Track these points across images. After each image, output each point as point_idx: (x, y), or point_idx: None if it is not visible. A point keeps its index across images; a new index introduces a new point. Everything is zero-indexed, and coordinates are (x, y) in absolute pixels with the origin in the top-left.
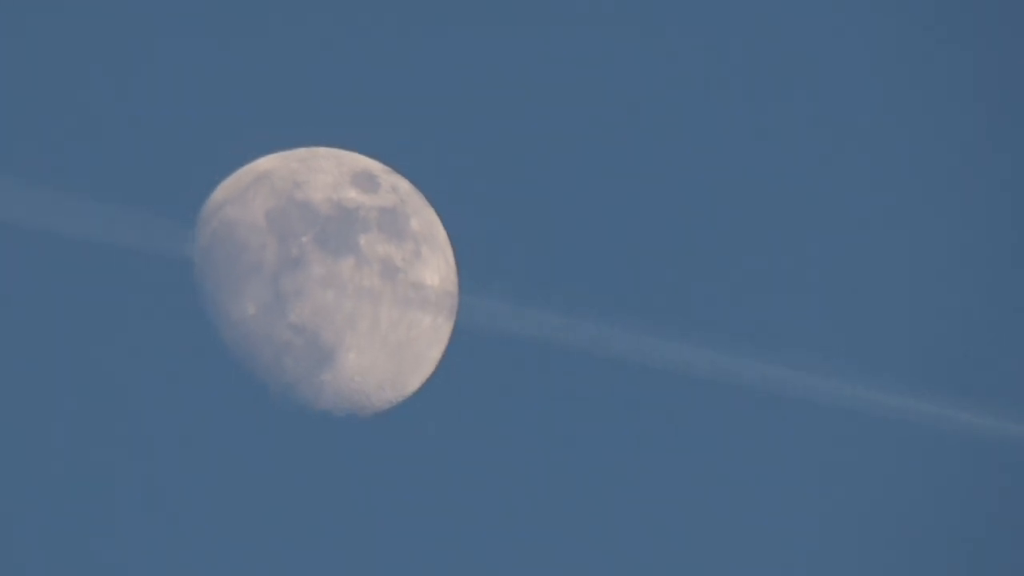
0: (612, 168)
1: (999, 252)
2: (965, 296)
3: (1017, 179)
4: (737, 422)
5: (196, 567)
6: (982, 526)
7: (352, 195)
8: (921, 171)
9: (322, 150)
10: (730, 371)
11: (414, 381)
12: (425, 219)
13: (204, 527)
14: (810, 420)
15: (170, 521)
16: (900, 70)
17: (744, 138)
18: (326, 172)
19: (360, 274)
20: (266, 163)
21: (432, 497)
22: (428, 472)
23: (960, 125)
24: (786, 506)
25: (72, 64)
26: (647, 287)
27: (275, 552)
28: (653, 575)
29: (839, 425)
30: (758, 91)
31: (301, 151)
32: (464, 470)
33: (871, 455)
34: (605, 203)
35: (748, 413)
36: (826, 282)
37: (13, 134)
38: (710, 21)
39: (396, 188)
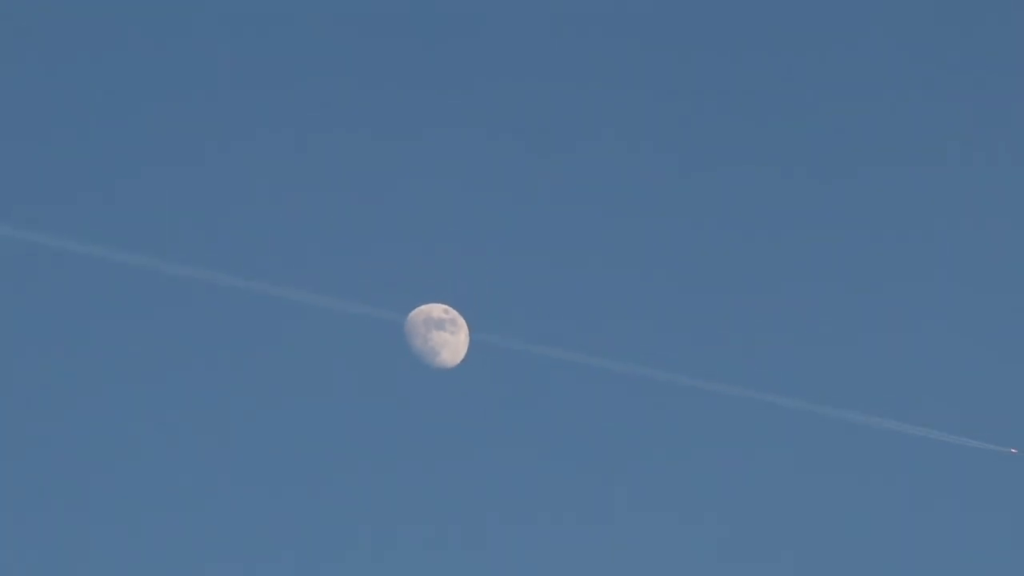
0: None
1: None
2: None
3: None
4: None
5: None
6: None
7: (440, 314)
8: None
9: (435, 305)
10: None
11: (459, 358)
12: (461, 321)
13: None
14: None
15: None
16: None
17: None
18: (434, 309)
19: (444, 333)
20: (423, 307)
21: (470, 403)
22: (470, 387)
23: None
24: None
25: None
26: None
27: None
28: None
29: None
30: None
31: (428, 305)
32: (483, 392)
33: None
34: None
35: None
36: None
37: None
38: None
39: (453, 312)
